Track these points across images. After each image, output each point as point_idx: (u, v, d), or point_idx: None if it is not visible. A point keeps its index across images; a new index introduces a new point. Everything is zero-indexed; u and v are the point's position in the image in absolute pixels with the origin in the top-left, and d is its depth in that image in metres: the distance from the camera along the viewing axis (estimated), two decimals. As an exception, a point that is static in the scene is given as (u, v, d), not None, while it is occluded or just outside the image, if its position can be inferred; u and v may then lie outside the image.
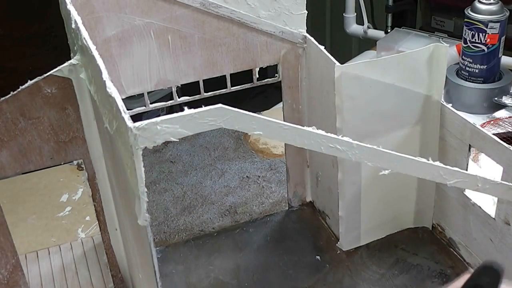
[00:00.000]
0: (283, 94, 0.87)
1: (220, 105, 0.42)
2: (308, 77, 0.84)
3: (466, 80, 1.14)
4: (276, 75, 0.87)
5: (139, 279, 0.65)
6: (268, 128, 0.44)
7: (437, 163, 0.46)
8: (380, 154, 0.46)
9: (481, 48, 1.10)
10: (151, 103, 0.83)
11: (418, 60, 0.74)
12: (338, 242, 0.88)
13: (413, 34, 1.40)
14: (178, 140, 0.43)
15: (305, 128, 0.45)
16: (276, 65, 0.85)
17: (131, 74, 0.78)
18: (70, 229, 0.95)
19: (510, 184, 0.47)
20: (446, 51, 0.74)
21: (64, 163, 0.70)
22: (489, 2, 1.08)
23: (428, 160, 0.46)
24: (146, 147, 0.43)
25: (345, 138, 0.46)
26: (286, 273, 0.84)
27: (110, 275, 0.80)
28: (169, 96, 0.84)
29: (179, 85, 0.83)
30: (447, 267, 0.83)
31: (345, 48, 2.26)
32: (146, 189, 0.45)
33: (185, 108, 0.42)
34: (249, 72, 0.85)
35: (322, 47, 0.78)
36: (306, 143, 0.46)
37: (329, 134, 0.46)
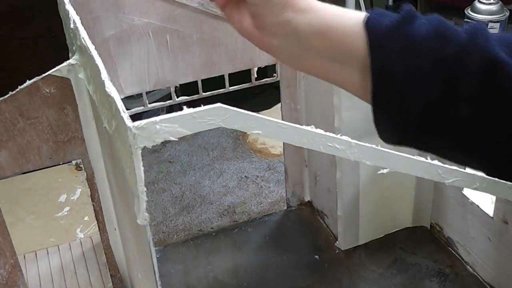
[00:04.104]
0: (282, 93, 0.87)
1: (219, 104, 0.42)
2: (306, 77, 0.84)
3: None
4: (274, 74, 0.87)
5: (138, 279, 0.65)
6: (267, 127, 0.44)
7: (436, 162, 0.46)
8: (379, 153, 0.46)
9: (479, 47, 1.10)
10: (150, 103, 0.83)
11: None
12: (337, 242, 0.88)
13: (412, 34, 1.40)
14: (177, 140, 0.43)
15: (303, 127, 0.45)
16: (275, 64, 0.85)
17: (129, 74, 0.78)
18: (69, 229, 0.95)
19: (509, 182, 0.47)
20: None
21: (62, 163, 0.70)
22: (489, 2, 1.08)
23: (427, 158, 0.46)
24: (145, 147, 0.42)
25: (344, 137, 0.46)
26: (285, 273, 0.84)
27: (109, 275, 0.80)
28: (168, 96, 0.85)
29: (178, 85, 0.83)
30: (445, 266, 0.83)
31: (344, 48, 2.26)
32: (145, 189, 0.45)
33: (184, 107, 0.42)
34: (248, 72, 0.85)
35: (320, 47, 0.77)
36: (305, 142, 0.46)
37: (327, 133, 0.46)
